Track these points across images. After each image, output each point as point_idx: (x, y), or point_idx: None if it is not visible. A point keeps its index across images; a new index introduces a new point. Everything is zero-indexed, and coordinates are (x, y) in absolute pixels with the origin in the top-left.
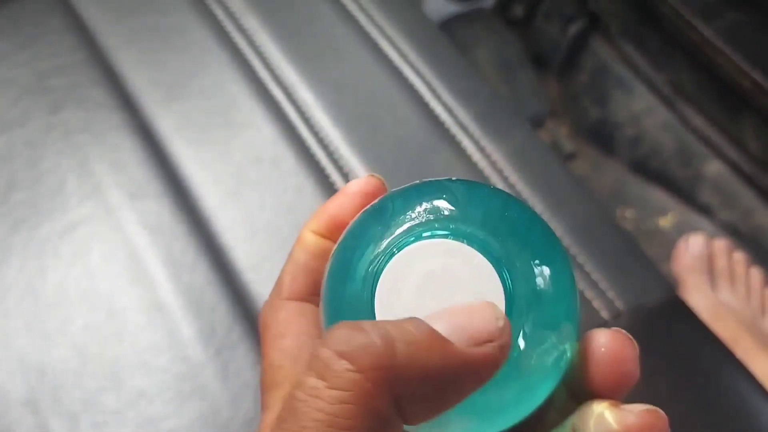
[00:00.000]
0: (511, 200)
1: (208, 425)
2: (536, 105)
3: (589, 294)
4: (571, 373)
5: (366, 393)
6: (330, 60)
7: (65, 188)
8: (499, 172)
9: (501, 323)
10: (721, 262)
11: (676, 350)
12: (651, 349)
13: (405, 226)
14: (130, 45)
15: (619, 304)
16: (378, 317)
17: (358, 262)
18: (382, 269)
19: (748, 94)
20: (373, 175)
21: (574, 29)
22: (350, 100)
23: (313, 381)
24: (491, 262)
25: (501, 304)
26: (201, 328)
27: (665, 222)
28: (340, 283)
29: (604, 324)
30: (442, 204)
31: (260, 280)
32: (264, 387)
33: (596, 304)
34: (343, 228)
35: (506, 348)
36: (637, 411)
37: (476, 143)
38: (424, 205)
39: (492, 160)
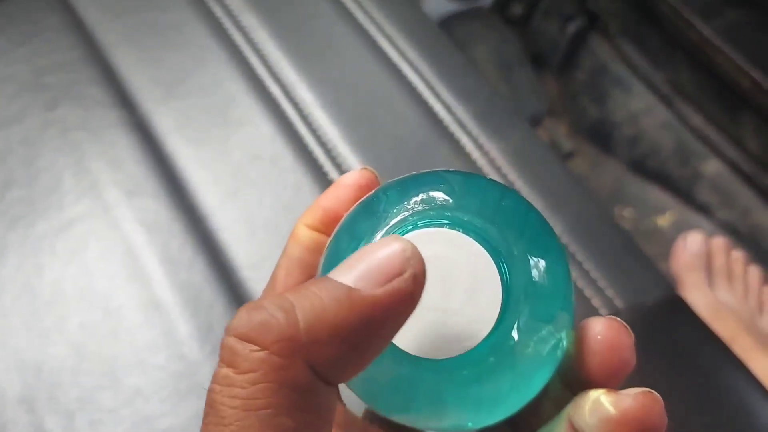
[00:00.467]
0: (507, 190)
1: None
2: (535, 104)
3: (588, 292)
4: (566, 363)
5: (275, 367)
6: (329, 58)
7: (62, 186)
8: (498, 170)
9: (407, 252)
10: (719, 260)
11: (675, 348)
12: (649, 348)
13: (401, 216)
14: (128, 42)
15: (618, 303)
16: None
17: (354, 249)
18: None
19: (747, 94)
20: (366, 168)
21: (573, 28)
22: (349, 99)
23: (223, 371)
24: (488, 251)
25: (498, 293)
26: (198, 326)
27: (664, 221)
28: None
29: None
30: (438, 194)
31: (258, 278)
32: None
33: (595, 302)
34: (338, 221)
35: (420, 276)
36: (633, 394)
37: (475, 141)
38: (420, 195)
39: (491, 158)
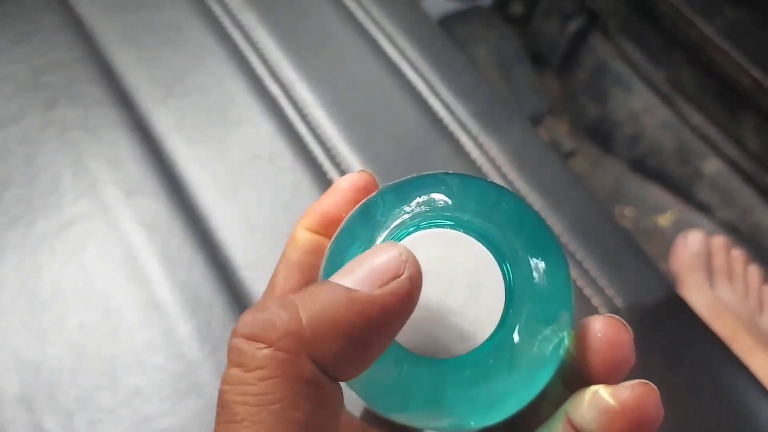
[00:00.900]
0: (504, 191)
1: (203, 423)
2: (535, 103)
3: (588, 291)
4: (565, 363)
5: (282, 362)
6: (328, 57)
7: (61, 185)
8: (498, 169)
9: (403, 256)
10: (719, 259)
11: (675, 347)
12: (649, 347)
13: (401, 219)
14: (127, 42)
15: (618, 302)
16: None
17: (355, 255)
18: None
19: (748, 92)
20: (364, 171)
21: (573, 27)
22: (348, 97)
23: (233, 371)
24: (490, 251)
25: (501, 294)
26: (197, 326)
27: (664, 220)
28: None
29: None
30: (439, 196)
31: (257, 278)
32: None
33: (595, 301)
34: (336, 224)
35: (416, 278)
36: (629, 385)
37: (475, 140)
38: (421, 197)
39: (490, 157)
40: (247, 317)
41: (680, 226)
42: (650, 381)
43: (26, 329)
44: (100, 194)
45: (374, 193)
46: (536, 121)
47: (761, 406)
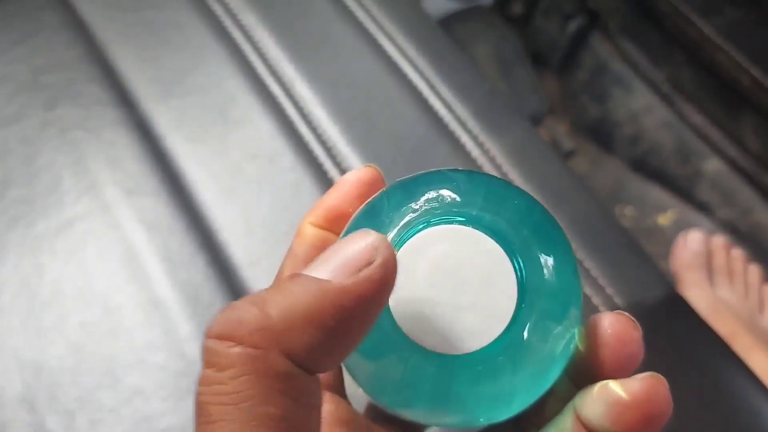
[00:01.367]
0: (512, 187)
1: None
2: (535, 102)
3: (588, 290)
4: (574, 359)
5: (252, 359)
6: (328, 56)
7: (61, 185)
8: (498, 168)
9: (375, 243)
10: (719, 258)
11: (675, 347)
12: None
13: (410, 216)
14: (127, 41)
15: (618, 301)
16: (391, 305)
17: None
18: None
19: (748, 92)
20: (369, 166)
21: (573, 26)
22: (348, 96)
23: (206, 372)
24: (501, 247)
25: (513, 290)
26: (198, 325)
27: (664, 219)
28: None
29: None
30: (446, 192)
31: (258, 277)
32: None
33: (595, 300)
34: (343, 218)
35: (389, 263)
36: (639, 378)
37: (475, 139)
38: (428, 194)
39: (490, 155)
40: (218, 317)
41: (680, 226)
42: None
43: (27, 329)
44: (100, 194)
45: (379, 192)
46: (536, 120)
47: (761, 404)
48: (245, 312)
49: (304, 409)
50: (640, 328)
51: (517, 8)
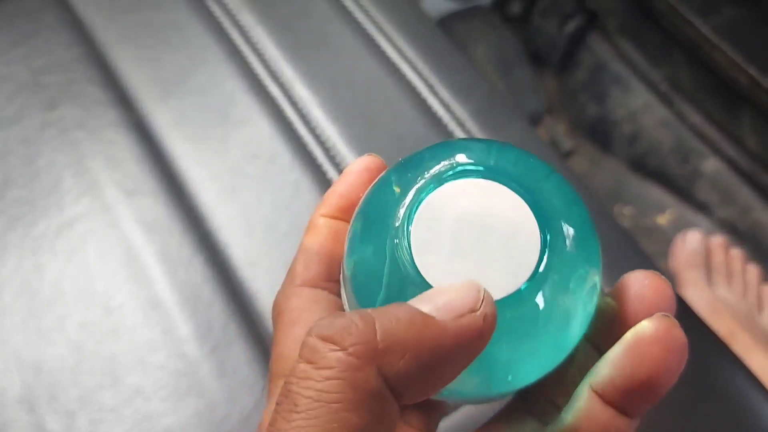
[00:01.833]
0: (522, 150)
1: (204, 422)
2: (534, 102)
3: None
4: (600, 323)
5: (350, 366)
6: (327, 56)
7: (61, 185)
8: None
9: (481, 294)
10: (718, 258)
11: None
12: None
13: (432, 173)
14: (126, 42)
15: None
16: (416, 258)
17: (386, 215)
18: (415, 211)
19: (746, 91)
20: (372, 154)
21: (571, 26)
22: (347, 97)
23: (302, 366)
24: (525, 200)
25: (537, 239)
26: (197, 325)
27: (663, 219)
28: (368, 239)
29: None
30: (465, 153)
31: (257, 277)
32: (272, 375)
33: None
34: (355, 205)
35: (490, 318)
36: (654, 317)
37: None
38: (440, 159)
39: None
40: (327, 320)
41: (679, 225)
42: None
43: (27, 329)
44: (100, 194)
45: (384, 172)
46: (535, 120)
47: (760, 404)
48: (352, 323)
49: (381, 429)
50: (672, 286)
51: (515, 8)
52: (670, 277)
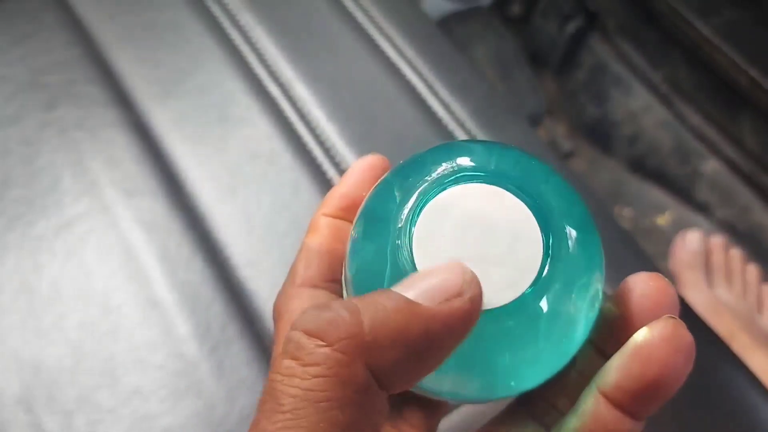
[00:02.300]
0: (523, 152)
1: (203, 422)
2: (534, 103)
3: None
4: (602, 326)
5: (337, 363)
6: (326, 56)
7: (60, 185)
8: None
9: (467, 276)
10: (717, 258)
11: None
12: None
13: (428, 183)
14: (126, 42)
15: None
16: (417, 263)
17: (389, 217)
18: (418, 216)
19: (746, 92)
20: (375, 154)
21: (571, 27)
22: (347, 97)
23: (287, 362)
24: (527, 205)
25: (539, 244)
26: (196, 325)
27: (663, 220)
28: (371, 240)
29: None
30: (467, 156)
31: (256, 277)
32: None
33: None
34: (357, 205)
35: (476, 300)
36: (660, 319)
37: (473, 139)
38: (441, 162)
39: None
40: (311, 313)
41: (679, 226)
42: None
43: (25, 329)
44: (99, 194)
45: (385, 175)
46: (534, 121)
47: (760, 404)
48: (338, 316)
49: (368, 425)
50: (674, 287)
51: (515, 9)
52: (670, 278)
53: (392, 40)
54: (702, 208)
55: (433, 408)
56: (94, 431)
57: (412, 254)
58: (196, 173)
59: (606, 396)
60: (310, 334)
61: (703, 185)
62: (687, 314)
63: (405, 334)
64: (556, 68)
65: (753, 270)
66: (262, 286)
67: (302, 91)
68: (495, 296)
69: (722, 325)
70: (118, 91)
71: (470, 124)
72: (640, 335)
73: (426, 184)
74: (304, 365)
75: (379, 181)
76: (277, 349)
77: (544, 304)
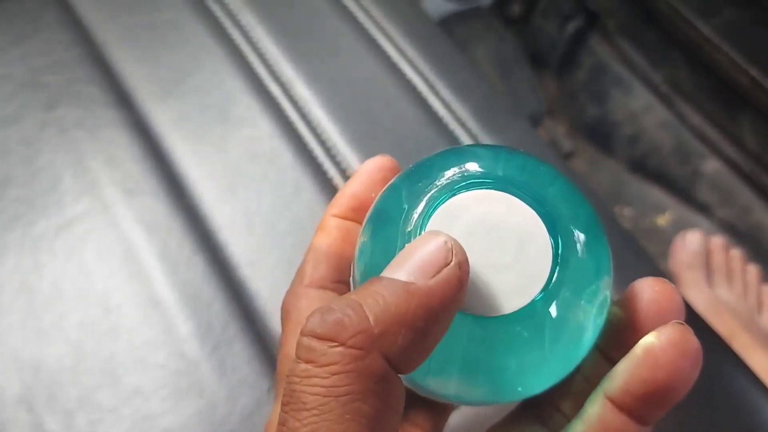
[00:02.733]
0: (529, 156)
1: (204, 422)
2: (534, 103)
3: None
4: (609, 330)
5: (354, 358)
6: (327, 56)
7: (61, 185)
8: None
9: (449, 244)
10: (718, 258)
11: None
12: None
13: (437, 187)
14: (126, 41)
15: None
16: None
17: (398, 221)
18: (427, 221)
19: (746, 91)
20: (385, 155)
21: (571, 27)
22: (348, 96)
23: (302, 366)
24: (535, 211)
25: (549, 251)
26: (197, 325)
27: (663, 220)
28: (380, 243)
29: None
30: (475, 162)
31: (257, 276)
32: (279, 376)
33: None
34: (367, 206)
35: (464, 263)
36: (668, 324)
37: (474, 138)
38: (450, 167)
39: None
40: (317, 318)
41: (679, 226)
42: None
43: (26, 329)
44: (100, 194)
45: (395, 178)
46: (535, 121)
47: (761, 403)
48: (344, 315)
49: (391, 412)
50: (680, 292)
51: (515, 9)
52: (671, 278)
53: (393, 39)
54: (702, 208)
55: (439, 410)
56: (95, 431)
57: None
58: (197, 173)
59: (613, 401)
60: (320, 337)
61: (703, 185)
62: (687, 314)
63: (408, 316)
64: (556, 68)
65: (753, 270)
66: (263, 285)
67: (303, 91)
68: (504, 303)
69: (722, 324)
70: (119, 90)
71: (471, 123)
72: (648, 340)
73: (435, 189)
74: (321, 365)
75: (388, 184)
76: (284, 347)
77: (552, 310)
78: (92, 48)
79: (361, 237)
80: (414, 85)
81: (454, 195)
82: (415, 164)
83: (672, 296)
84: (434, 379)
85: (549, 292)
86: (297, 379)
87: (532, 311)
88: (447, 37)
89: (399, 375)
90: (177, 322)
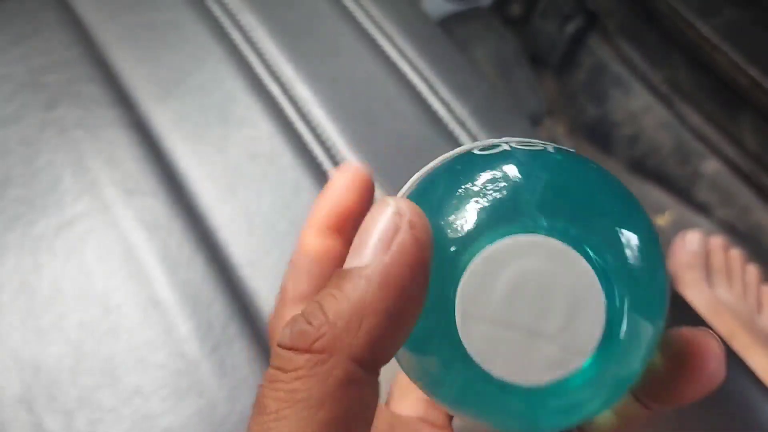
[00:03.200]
0: (595, 172)
1: (204, 421)
2: (534, 103)
3: None
4: (646, 377)
5: (317, 362)
6: (327, 56)
7: (61, 185)
8: None
9: (395, 207)
10: (717, 259)
11: None
12: None
13: (482, 219)
14: (126, 41)
15: None
16: (458, 320)
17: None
18: (464, 268)
19: (746, 92)
20: (356, 166)
21: (571, 27)
22: (347, 96)
23: (271, 371)
24: (592, 266)
25: (602, 319)
26: (197, 325)
27: (663, 220)
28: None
29: None
30: (526, 193)
31: (257, 276)
32: None
33: None
34: (343, 220)
35: (416, 222)
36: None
37: (474, 139)
38: (494, 187)
39: None
40: (285, 331)
41: (679, 226)
42: None
43: (26, 328)
44: (99, 194)
45: (418, 185)
46: (535, 121)
47: (761, 404)
48: (305, 322)
49: (352, 418)
50: (722, 346)
51: (515, 9)
52: (671, 278)
53: (393, 39)
54: (702, 208)
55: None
56: (95, 431)
57: (453, 312)
58: (197, 173)
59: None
60: (289, 347)
61: (703, 185)
62: (687, 314)
63: (368, 304)
64: (556, 68)
65: (753, 270)
66: (263, 285)
67: (303, 91)
68: (539, 373)
69: (722, 324)
70: (119, 90)
71: (471, 123)
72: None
73: (474, 227)
74: (287, 371)
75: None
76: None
77: (589, 386)
78: (92, 48)
79: None
80: (414, 85)
81: (498, 239)
82: (431, 178)
83: (719, 356)
84: (468, 416)
85: (591, 368)
86: (264, 384)
87: (567, 383)
88: (447, 37)
89: (377, 375)
90: (177, 322)
